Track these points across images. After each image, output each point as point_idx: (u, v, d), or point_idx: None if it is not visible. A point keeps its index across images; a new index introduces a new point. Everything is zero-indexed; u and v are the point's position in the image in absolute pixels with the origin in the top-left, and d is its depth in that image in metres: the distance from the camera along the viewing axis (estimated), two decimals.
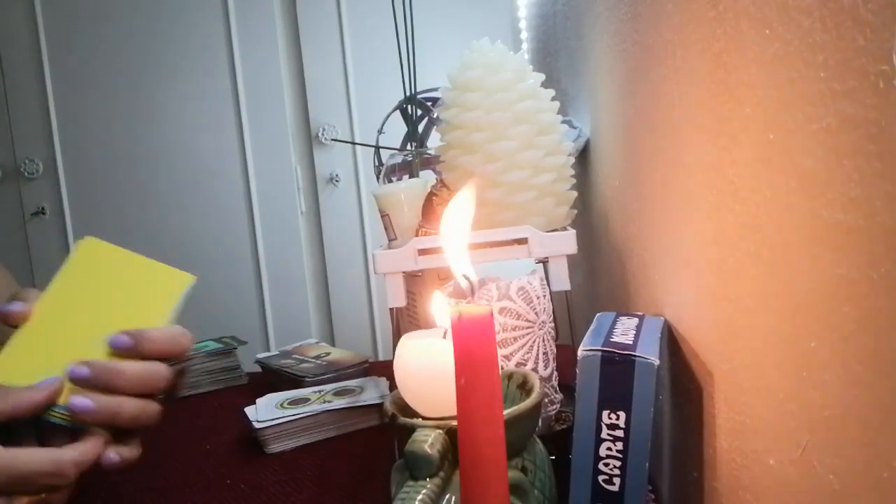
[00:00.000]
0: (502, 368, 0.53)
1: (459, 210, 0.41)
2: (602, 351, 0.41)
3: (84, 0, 1.96)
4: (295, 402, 0.80)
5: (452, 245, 0.41)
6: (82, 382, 0.48)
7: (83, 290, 0.53)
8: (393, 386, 0.46)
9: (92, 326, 0.50)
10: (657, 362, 0.40)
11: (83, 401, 0.47)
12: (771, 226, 0.33)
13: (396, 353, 0.45)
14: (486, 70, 0.65)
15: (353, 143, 2.02)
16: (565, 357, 0.63)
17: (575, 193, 0.69)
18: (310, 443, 0.76)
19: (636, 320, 0.48)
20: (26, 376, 0.48)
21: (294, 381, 0.93)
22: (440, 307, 0.44)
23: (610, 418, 0.41)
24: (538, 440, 0.46)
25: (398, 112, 0.92)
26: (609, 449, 0.41)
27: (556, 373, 0.61)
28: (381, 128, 0.97)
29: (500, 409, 0.35)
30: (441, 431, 0.39)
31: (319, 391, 0.85)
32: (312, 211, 2.07)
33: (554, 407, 0.61)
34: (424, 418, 0.43)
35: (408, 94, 0.89)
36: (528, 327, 0.58)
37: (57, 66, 1.98)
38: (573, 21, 0.92)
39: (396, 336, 0.68)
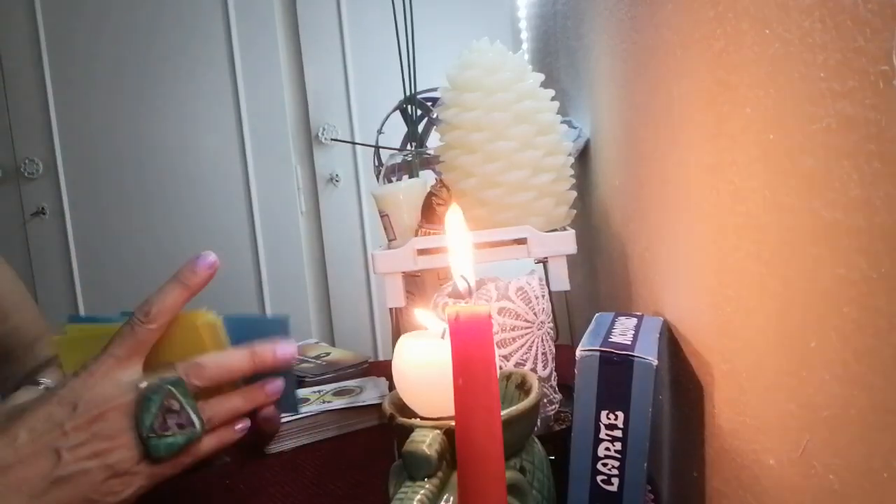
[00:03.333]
0: (501, 368, 0.53)
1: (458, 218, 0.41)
2: (600, 351, 0.41)
3: (84, 0, 1.96)
4: None
5: (456, 247, 0.41)
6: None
7: None
8: (393, 386, 0.46)
9: None
10: (655, 362, 0.40)
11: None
12: (771, 226, 0.32)
13: (395, 353, 0.45)
14: (486, 70, 0.65)
15: (353, 143, 2.02)
16: (565, 357, 0.63)
17: (574, 193, 0.69)
18: (309, 443, 0.76)
19: (635, 320, 0.48)
20: None
21: None
22: (428, 323, 0.44)
23: (608, 418, 0.41)
24: (537, 440, 0.46)
25: (398, 112, 0.92)
26: (607, 449, 0.41)
27: (555, 373, 0.61)
28: (381, 128, 0.97)
29: (498, 410, 0.35)
30: (439, 432, 0.39)
31: (319, 391, 0.85)
32: (312, 211, 2.07)
33: (553, 407, 0.61)
34: (423, 418, 0.43)
35: (408, 94, 0.89)
36: (526, 327, 0.58)
37: (57, 66, 1.98)
38: (573, 21, 0.92)
39: (396, 336, 0.68)
